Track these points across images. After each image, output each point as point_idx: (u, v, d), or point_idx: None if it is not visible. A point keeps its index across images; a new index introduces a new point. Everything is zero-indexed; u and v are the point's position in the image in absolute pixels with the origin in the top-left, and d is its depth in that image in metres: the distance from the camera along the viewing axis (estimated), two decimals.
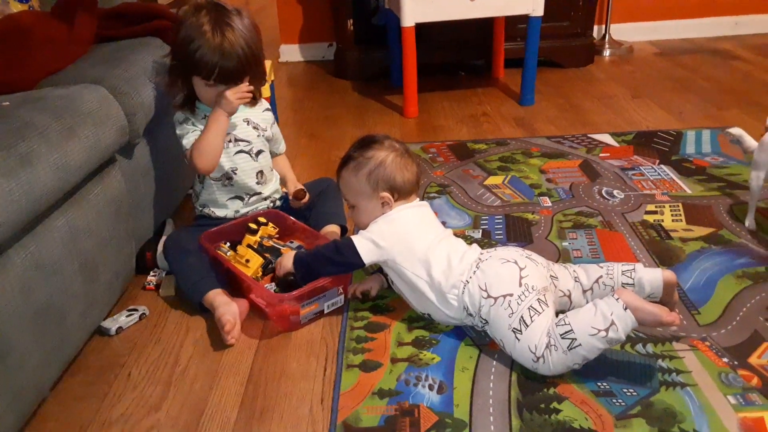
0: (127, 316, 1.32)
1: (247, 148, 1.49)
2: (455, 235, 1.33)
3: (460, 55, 3.05)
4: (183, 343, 1.26)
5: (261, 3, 4.57)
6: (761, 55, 2.97)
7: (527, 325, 1.10)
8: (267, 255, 1.41)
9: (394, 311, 1.31)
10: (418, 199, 1.32)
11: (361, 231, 1.26)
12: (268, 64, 2.34)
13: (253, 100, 1.50)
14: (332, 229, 1.54)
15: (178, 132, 1.42)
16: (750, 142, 1.52)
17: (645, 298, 1.19)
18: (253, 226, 1.44)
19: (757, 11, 3.32)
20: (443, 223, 1.61)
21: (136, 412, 1.09)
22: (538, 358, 1.08)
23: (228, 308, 1.25)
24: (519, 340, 1.10)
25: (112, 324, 1.29)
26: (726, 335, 1.18)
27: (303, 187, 1.58)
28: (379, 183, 1.25)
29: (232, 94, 1.37)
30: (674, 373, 1.09)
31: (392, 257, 1.22)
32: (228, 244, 1.45)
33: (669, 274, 1.19)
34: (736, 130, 1.56)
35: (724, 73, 2.75)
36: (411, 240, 1.22)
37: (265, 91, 2.20)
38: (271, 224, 1.49)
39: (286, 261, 1.28)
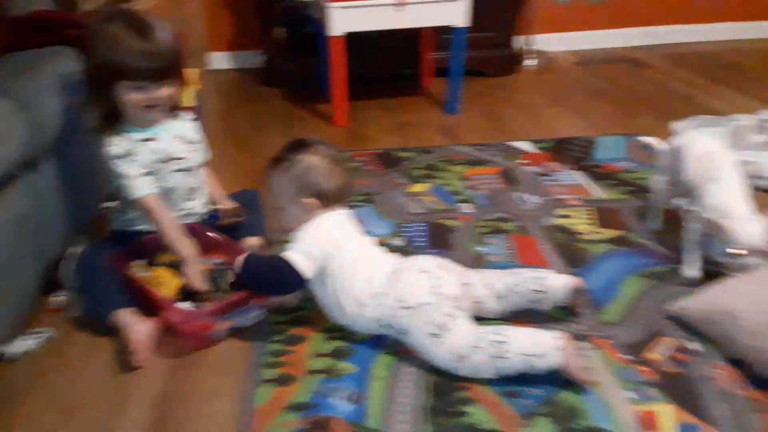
0: (31, 340, 1.26)
1: (184, 165, 1.45)
2: (378, 244, 1.34)
3: (389, 64, 3.09)
4: (89, 366, 1.22)
5: (190, 10, 4.48)
6: (673, 64, 3.15)
7: (448, 329, 1.13)
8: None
9: (313, 322, 1.31)
10: (344, 208, 1.32)
11: (291, 244, 1.23)
12: (194, 72, 2.31)
13: (174, 112, 1.47)
14: (254, 242, 1.52)
15: (118, 170, 1.34)
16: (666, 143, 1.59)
17: (555, 302, 1.25)
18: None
19: (670, 22, 3.52)
20: (368, 232, 1.65)
21: None
22: (459, 358, 1.11)
23: (137, 327, 1.22)
24: (438, 343, 1.13)
25: (14, 348, 1.23)
26: (627, 333, 1.24)
27: (238, 205, 1.56)
28: (304, 188, 1.24)
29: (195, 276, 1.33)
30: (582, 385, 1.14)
31: (324, 266, 1.22)
32: (144, 261, 1.41)
33: (578, 282, 1.26)
34: (646, 139, 1.64)
35: (637, 82, 2.90)
36: (339, 248, 1.23)
37: (189, 100, 2.17)
38: (193, 239, 1.45)
39: (239, 261, 1.25)
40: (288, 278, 1.20)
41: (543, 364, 1.09)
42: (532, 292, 1.25)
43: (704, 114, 2.28)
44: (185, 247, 1.35)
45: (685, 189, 1.42)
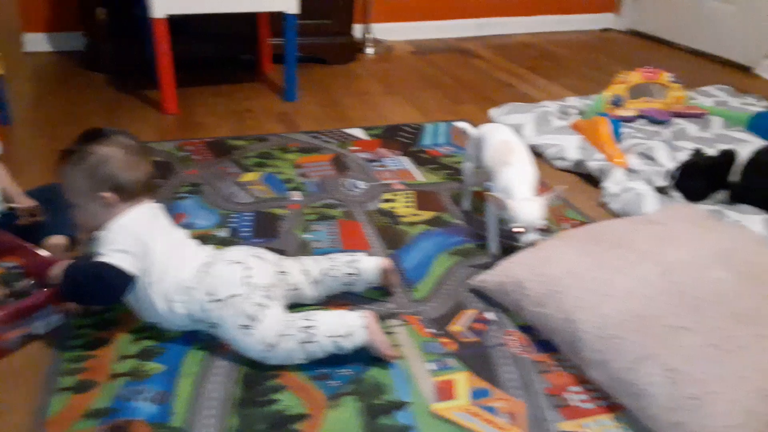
0: None
1: None
2: (199, 236, 1.31)
3: (227, 48, 3.00)
4: None
5: None
6: (498, 54, 3.38)
7: (255, 320, 1.12)
8: None
9: (120, 324, 1.24)
10: (150, 201, 1.25)
11: (103, 245, 1.14)
12: None
13: None
14: (57, 241, 1.41)
15: None
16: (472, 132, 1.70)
17: (368, 284, 1.31)
18: None
19: (498, 14, 3.77)
20: (191, 225, 1.59)
21: None
22: (268, 347, 1.11)
23: None
24: (248, 334, 1.12)
25: None
26: (434, 308, 1.33)
27: (36, 203, 1.42)
28: (100, 181, 1.16)
29: None
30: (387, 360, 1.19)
31: (140, 261, 1.15)
32: None
33: (386, 262, 1.32)
34: (461, 124, 1.75)
35: (465, 71, 3.08)
36: (145, 245, 1.16)
37: None
38: None
39: (58, 269, 1.15)
40: (115, 283, 1.12)
41: (349, 343, 1.13)
42: (345, 275, 1.29)
43: (520, 101, 2.49)
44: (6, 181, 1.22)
45: (486, 173, 1.54)
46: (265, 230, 1.61)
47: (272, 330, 1.12)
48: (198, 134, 2.23)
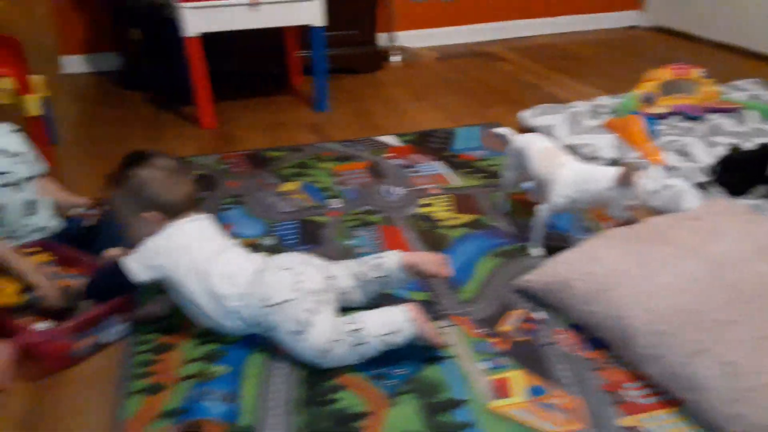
0: None
1: (9, 180, 1.37)
2: (248, 245, 1.36)
3: (256, 63, 3.07)
4: None
5: (40, 11, 4.14)
6: (523, 56, 3.41)
7: (310, 324, 1.17)
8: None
9: (182, 330, 1.30)
10: (196, 214, 1.31)
11: (134, 251, 1.24)
12: (39, 78, 2.17)
13: None
14: (114, 253, 1.47)
15: None
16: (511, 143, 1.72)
17: (400, 282, 1.33)
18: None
19: (520, 17, 3.80)
20: (237, 234, 1.65)
21: None
22: (321, 353, 1.16)
23: None
24: (302, 340, 1.17)
25: None
26: (481, 309, 1.36)
27: (89, 200, 1.50)
28: (144, 202, 1.23)
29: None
30: (439, 348, 1.24)
31: (168, 274, 1.21)
32: None
33: (408, 257, 1.30)
34: (501, 130, 1.77)
35: (490, 75, 3.11)
36: (188, 255, 1.22)
37: (34, 108, 2.04)
38: (45, 254, 1.38)
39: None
40: (117, 280, 1.22)
41: (400, 338, 1.17)
42: (376, 278, 1.31)
43: (548, 102, 2.51)
44: (18, 261, 1.30)
45: (534, 179, 1.57)
46: (310, 238, 1.66)
47: (323, 336, 1.16)
48: (236, 147, 2.30)
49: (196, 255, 1.23)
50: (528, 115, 2.35)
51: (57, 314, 1.27)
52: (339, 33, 2.96)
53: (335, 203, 1.85)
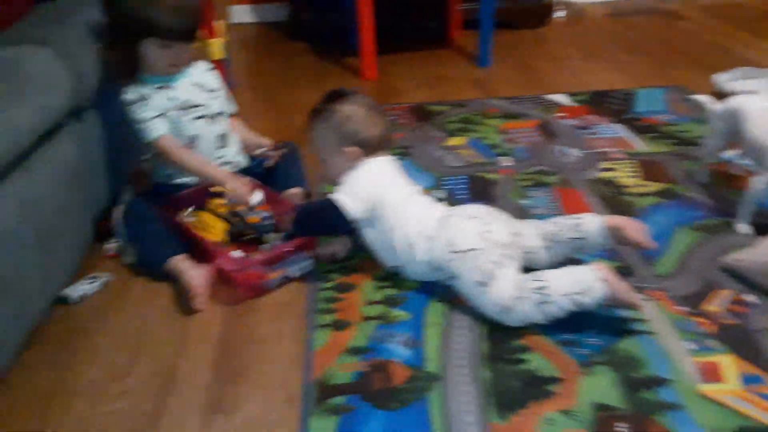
0: (90, 284, 1.28)
1: (205, 112, 1.44)
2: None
3: (415, 16, 3.02)
4: (150, 310, 1.24)
5: None
6: (707, 15, 3.05)
7: (494, 278, 1.12)
8: (234, 220, 1.38)
9: (361, 271, 1.32)
10: (387, 155, 1.31)
11: (339, 189, 1.24)
12: (221, 24, 2.27)
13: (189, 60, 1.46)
14: (295, 192, 1.52)
15: (134, 116, 1.36)
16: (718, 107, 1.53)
17: (597, 247, 1.23)
18: (219, 189, 1.41)
19: None
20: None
21: (105, 379, 1.07)
22: (504, 309, 1.11)
23: (195, 272, 1.24)
24: (485, 292, 1.13)
25: (73, 292, 1.25)
26: (681, 284, 1.24)
27: (274, 141, 1.55)
28: (345, 137, 1.24)
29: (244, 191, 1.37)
30: (634, 322, 1.14)
31: (373, 207, 1.22)
32: (192, 209, 1.41)
33: (615, 219, 1.19)
34: (701, 98, 1.58)
35: (671, 34, 2.82)
36: (387, 191, 1.23)
37: (218, 52, 2.14)
38: None
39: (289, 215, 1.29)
40: (335, 216, 1.21)
41: (589, 298, 1.09)
42: (570, 239, 1.23)
43: (741, 65, 2.22)
44: (216, 171, 1.39)
45: (749, 148, 1.38)
46: (480, 194, 1.61)
47: (507, 292, 1.11)
48: (397, 99, 2.28)
49: (394, 193, 1.23)
50: (724, 79, 2.10)
51: (249, 245, 1.34)
52: None
53: (506, 161, 1.77)
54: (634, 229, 1.18)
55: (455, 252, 1.16)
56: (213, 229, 1.35)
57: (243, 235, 1.38)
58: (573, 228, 1.22)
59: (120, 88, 1.37)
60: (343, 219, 1.21)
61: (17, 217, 1.03)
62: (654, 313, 1.16)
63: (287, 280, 1.29)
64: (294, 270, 1.30)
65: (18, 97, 1.03)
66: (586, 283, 1.09)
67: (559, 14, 3.17)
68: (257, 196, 1.39)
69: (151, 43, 1.32)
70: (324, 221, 1.26)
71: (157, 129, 1.36)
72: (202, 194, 1.43)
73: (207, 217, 1.38)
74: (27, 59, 1.12)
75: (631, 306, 1.11)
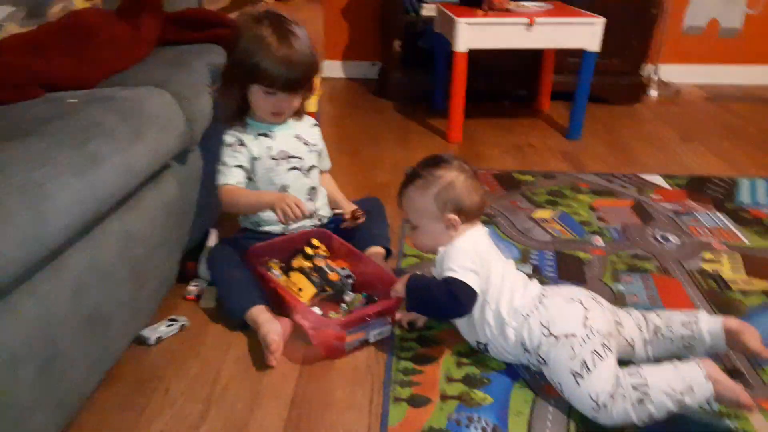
0: (168, 326, 1.28)
1: (299, 164, 1.46)
2: None
3: (504, 83, 3.02)
4: (224, 360, 1.22)
5: (304, 15, 4.61)
6: None
7: (590, 370, 1.04)
8: (314, 276, 1.35)
9: (442, 343, 1.26)
10: (480, 224, 1.27)
11: (451, 265, 1.15)
12: (317, 79, 2.34)
13: (298, 115, 1.48)
14: (376, 251, 1.49)
15: (222, 156, 1.38)
16: None
17: (707, 349, 1.14)
18: (309, 251, 1.38)
19: None
20: None
21: (175, 429, 1.04)
22: (599, 406, 1.02)
23: (273, 326, 1.21)
24: (580, 384, 1.04)
25: (151, 333, 1.25)
26: None
27: (359, 208, 1.54)
28: (447, 204, 1.20)
29: (291, 207, 1.28)
30: (741, 413, 1.02)
31: (479, 282, 1.16)
32: (279, 264, 1.39)
33: (731, 322, 1.12)
34: None
35: None
36: (487, 265, 1.17)
37: (312, 105, 2.19)
38: (323, 247, 1.43)
39: (399, 284, 1.21)
40: (464, 299, 1.13)
41: (693, 399, 0.98)
42: (680, 337, 1.14)
43: None
44: (266, 194, 1.37)
45: None
46: (571, 273, 1.53)
47: (604, 387, 1.02)
48: (482, 165, 2.25)
49: (492, 266, 1.17)
50: None
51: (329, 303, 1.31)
52: (600, 60, 2.79)
53: (598, 240, 1.69)
54: (752, 335, 1.07)
55: (550, 336, 1.09)
56: (303, 292, 1.31)
57: (323, 290, 1.35)
58: (685, 325, 1.13)
59: (223, 129, 1.41)
60: (470, 301, 1.14)
61: (116, 253, 1.04)
62: (763, 425, 1.04)
63: (366, 343, 1.25)
64: (374, 334, 1.25)
65: (137, 137, 1.06)
66: (689, 381, 0.99)
67: (653, 93, 3.10)
68: (309, 206, 1.37)
69: (256, 89, 1.36)
70: (450, 304, 1.14)
71: (228, 176, 1.36)
72: (289, 244, 1.42)
73: (298, 278, 1.34)
74: (147, 100, 1.17)
75: (742, 407, 0.99)
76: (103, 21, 1.42)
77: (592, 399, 1.03)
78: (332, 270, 1.37)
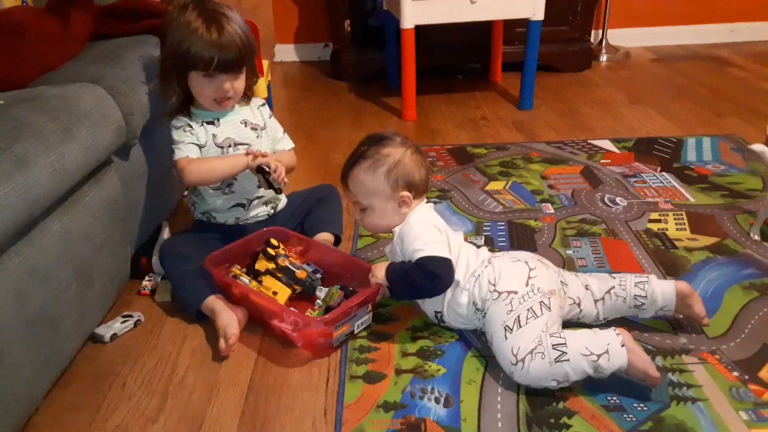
0: (122, 323, 1.27)
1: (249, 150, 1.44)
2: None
3: (457, 57, 3.03)
4: (180, 352, 1.22)
5: (254, 2, 4.53)
6: (757, 62, 2.98)
7: (520, 326, 1.08)
8: (296, 287, 1.31)
9: (397, 320, 1.28)
10: (426, 199, 1.28)
11: (416, 246, 1.15)
12: (265, 63, 2.31)
13: (246, 98, 1.47)
14: (325, 237, 1.50)
15: (174, 137, 1.36)
16: None
17: (657, 311, 1.18)
18: (270, 251, 1.34)
19: (753, 19, 3.34)
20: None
21: (132, 424, 1.05)
22: (517, 362, 1.05)
23: (230, 316, 1.21)
24: (507, 339, 1.08)
25: (106, 331, 1.25)
26: (735, 348, 1.16)
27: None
28: (398, 181, 1.19)
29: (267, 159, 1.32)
30: (685, 387, 1.07)
31: None
32: (242, 269, 1.36)
33: (682, 286, 1.17)
34: (758, 147, 1.51)
35: (720, 81, 2.75)
36: (446, 235, 1.20)
37: (263, 91, 2.17)
38: (281, 246, 1.40)
39: (379, 272, 1.20)
40: (445, 272, 1.14)
41: (608, 365, 1.02)
42: (633, 297, 1.18)
43: None
44: (237, 158, 1.35)
45: None
46: (522, 242, 1.56)
47: (527, 344, 1.05)
48: (437, 141, 2.27)
49: (450, 235, 1.20)
50: None
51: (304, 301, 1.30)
52: (547, 29, 2.81)
53: (548, 208, 1.73)
54: (698, 300, 1.14)
55: (494, 292, 1.13)
56: (278, 295, 1.27)
57: (293, 290, 1.31)
58: (638, 285, 1.18)
59: (166, 123, 1.39)
60: (450, 271, 1.14)
61: (57, 254, 1.03)
62: (705, 379, 1.09)
63: (351, 335, 1.23)
64: (358, 324, 1.23)
65: (68, 135, 1.05)
66: (608, 346, 1.03)
67: (603, 58, 3.15)
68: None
69: (195, 75, 1.34)
70: (434, 284, 1.15)
71: (185, 150, 1.34)
72: (245, 249, 1.39)
73: (271, 282, 1.30)
74: (78, 97, 1.15)
75: (649, 381, 1.04)
76: (32, 18, 1.38)
77: (512, 353, 1.06)
78: (298, 268, 1.34)
